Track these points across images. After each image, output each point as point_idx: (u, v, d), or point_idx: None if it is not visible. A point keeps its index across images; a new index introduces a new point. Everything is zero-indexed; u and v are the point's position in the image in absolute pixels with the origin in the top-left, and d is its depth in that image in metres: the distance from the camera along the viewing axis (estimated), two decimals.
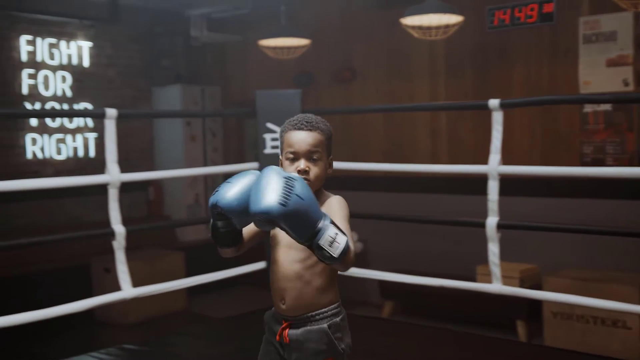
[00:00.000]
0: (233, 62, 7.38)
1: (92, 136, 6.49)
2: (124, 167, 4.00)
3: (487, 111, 3.78)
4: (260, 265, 4.58)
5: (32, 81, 6.13)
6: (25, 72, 6.09)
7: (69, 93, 6.33)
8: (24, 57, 6.07)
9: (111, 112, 3.82)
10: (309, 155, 1.96)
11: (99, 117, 3.92)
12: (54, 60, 6.27)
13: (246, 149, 7.17)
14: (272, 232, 2.04)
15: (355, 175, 6.02)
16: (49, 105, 6.18)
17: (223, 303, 6.16)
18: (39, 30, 6.17)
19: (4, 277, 5.27)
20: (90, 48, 6.49)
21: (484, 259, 4.19)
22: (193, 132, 7.00)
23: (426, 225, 5.43)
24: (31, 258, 5.63)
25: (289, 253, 2.00)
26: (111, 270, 5.03)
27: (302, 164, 1.95)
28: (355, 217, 5.55)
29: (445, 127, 5.86)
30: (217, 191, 1.85)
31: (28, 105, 6.06)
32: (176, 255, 6.08)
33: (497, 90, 5.27)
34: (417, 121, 6.00)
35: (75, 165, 6.36)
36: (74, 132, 6.39)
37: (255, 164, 4.62)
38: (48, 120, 6.19)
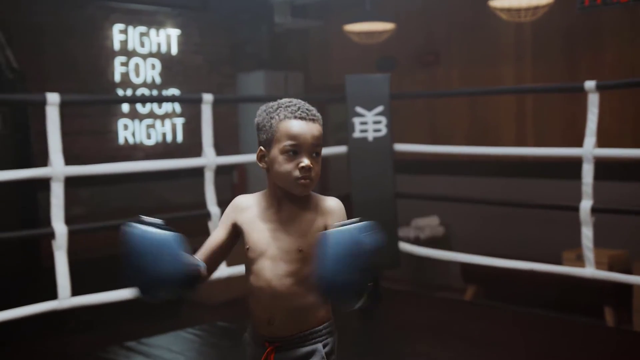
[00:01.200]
0: (315, 48, 7.46)
1: (179, 122, 6.69)
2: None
3: (575, 95, 3.75)
4: None
5: (123, 69, 6.35)
6: (118, 60, 6.31)
7: (158, 80, 6.53)
8: (116, 45, 6.30)
9: (207, 97, 3.95)
10: (312, 150, 1.73)
11: (196, 102, 4.06)
12: (144, 48, 6.47)
13: (328, 133, 7.25)
14: (250, 240, 1.79)
15: (438, 160, 6.03)
16: (139, 92, 6.39)
17: None
18: (131, 19, 6.38)
19: (101, 257, 5.50)
20: (179, 36, 6.68)
21: (570, 245, 4.17)
22: None
23: (510, 210, 5.40)
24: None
25: (276, 266, 1.75)
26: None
27: (305, 160, 1.70)
28: (437, 200, 5.58)
29: (532, 111, 5.79)
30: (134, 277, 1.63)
31: (120, 92, 6.28)
32: None
33: (586, 73, 5.17)
34: (502, 106, 5.94)
35: (164, 150, 6.57)
36: (162, 117, 6.60)
37: (343, 148, 4.69)
38: (139, 107, 6.41)
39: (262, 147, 1.78)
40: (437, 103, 6.30)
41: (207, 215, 3.98)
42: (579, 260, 4.36)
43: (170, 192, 6.58)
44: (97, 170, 3.65)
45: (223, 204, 6.42)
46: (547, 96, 5.63)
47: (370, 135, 4.45)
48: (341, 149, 4.72)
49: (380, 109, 4.43)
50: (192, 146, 6.24)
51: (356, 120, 4.46)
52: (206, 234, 4.01)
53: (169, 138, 6.63)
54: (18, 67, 4.56)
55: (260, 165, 1.79)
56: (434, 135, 6.17)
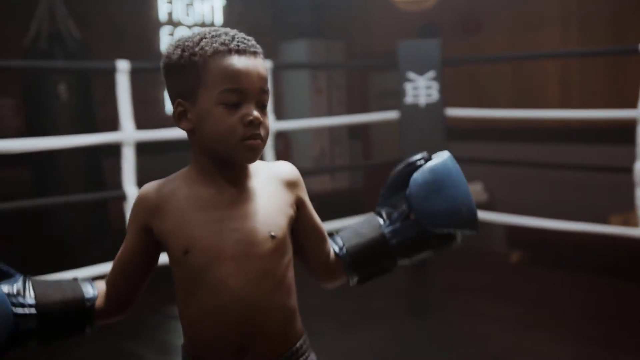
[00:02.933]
0: (357, 16, 7.50)
1: None
2: None
3: (621, 61, 3.76)
4: None
5: (169, 39, 6.46)
6: (164, 30, 6.42)
7: None
8: (162, 16, 6.40)
9: (268, 65, 4.05)
10: (259, 98, 1.27)
11: None
12: (190, 18, 6.57)
13: (371, 101, 7.32)
14: (187, 242, 1.28)
15: (480, 127, 6.08)
16: None
17: None
18: None
19: None
20: (223, 6, 6.76)
21: (616, 210, 4.21)
22: (319, 85, 7.21)
23: (554, 176, 5.46)
24: None
25: (244, 266, 1.28)
26: None
27: (253, 111, 1.24)
28: (483, 163, 5.65)
29: (578, 76, 5.81)
30: None
31: None
32: None
33: (635, 37, 5.18)
34: (546, 71, 5.96)
35: None
36: None
37: (393, 114, 4.77)
38: None
39: (180, 100, 1.29)
40: (480, 70, 6.34)
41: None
42: (626, 225, 4.42)
43: None
44: (166, 135, 3.77)
45: None
46: (592, 62, 5.64)
47: (422, 101, 4.52)
48: (391, 115, 4.80)
49: (432, 74, 4.50)
50: None
51: (408, 86, 4.53)
52: None
53: None
54: (80, 37, 4.68)
55: (180, 126, 1.31)
56: (477, 103, 6.21)
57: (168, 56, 1.30)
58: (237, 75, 1.24)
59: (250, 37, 1.30)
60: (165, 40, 6.41)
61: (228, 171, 1.31)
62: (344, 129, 7.31)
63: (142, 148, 3.66)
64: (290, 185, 1.38)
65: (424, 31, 6.70)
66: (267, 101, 1.29)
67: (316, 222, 1.44)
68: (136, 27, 6.22)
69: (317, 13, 7.53)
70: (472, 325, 4.06)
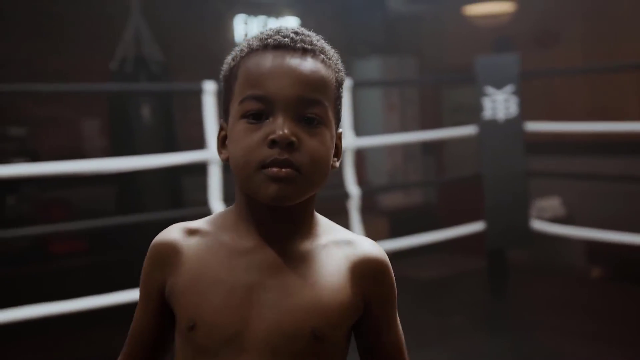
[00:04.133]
0: (429, 31, 7.50)
1: None
2: None
3: None
4: (475, 227, 4.72)
5: None
6: None
7: None
8: (238, 36, 6.56)
9: (347, 83, 4.11)
10: (299, 109, 0.92)
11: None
12: None
13: (444, 116, 7.30)
14: (193, 312, 0.95)
15: (558, 141, 5.99)
16: None
17: (426, 266, 6.38)
18: (252, 9, 6.63)
19: None
20: (296, 24, 6.88)
21: None
22: (391, 101, 7.24)
23: (635, 189, 5.33)
24: None
25: None
26: None
27: (281, 127, 0.90)
28: (561, 177, 5.56)
29: None
30: None
31: None
32: (379, 220, 6.36)
33: None
34: (625, 85, 5.84)
35: None
36: None
37: (471, 128, 4.75)
38: None
39: (222, 121, 1.02)
40: (555, 84, 6.25)
41: (346, 196, 4.15)
42: None
43: None
44: None
45: (340, 186, 6.59)
46: None
47: (501, 115, 4.50)
48: (468, 130, 4.79)
49: (510, 88, 4.48)
50: None
51: (486, 101, 4.52)
52: (341, 214, 4.18)
53: None
54: (164, 60, 4.86)
55: (220, 156, 1.00)
56: (552, 117, 6.12)
57: (224, 67, 1.02)
58: (262, 77, 0.91)
59: (310, 33, 0.99)
60: None
61: (274, 218, 0.95)
62: (417, 144, 7.31)
63: (224, 167, 3.77)
64: (369, 275, 0.97)
65: (499, 45, 6.66)
66: (318, 115, 0.92)
67: (393, 340, 1.02)
68: (212, 48, 6.39)
69: (389, 29, 7.58)
70: (551, 340, 4.00)
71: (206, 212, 3.66)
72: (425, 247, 4.77)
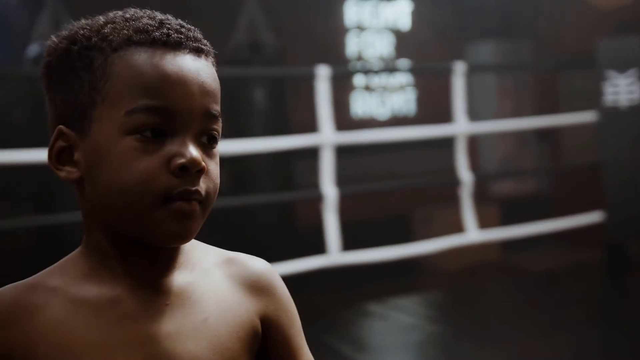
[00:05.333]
0: (546, 15, 7.24)
1: (411, 94, 6.84)
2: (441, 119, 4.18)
3: None
4: (592, 218, 4.54)
5: (357, 43, 6.61)
6: (351, 35, 6.58)
7: (390, 53, 6.72)
8: (350, 20, 6.56)
9: (459, 66, 4.04)
10: (205, 128, 0.77)
11: (444, 72, 4.16)
12: (377, 22, 6.68)
13: (560, 101, 7.05)
14: None
15: None
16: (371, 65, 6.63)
17: (538, 257, 6.20)
18: None
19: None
20: (410, 9, 6.81)
21: None
22: (505, 86, 7.06)
23: None
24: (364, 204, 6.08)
25: None
26: (433, 220, 5.35)
27: (189, 149, 0.74)
28: None
29: None
30: None
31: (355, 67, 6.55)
32: (489, 208, 6.21)
33: None
34: None
35: (396, 123, 6.76)
36: (394, 90, 6.78)
37: (590, 115, 4.57)
38: (371, 80, 6.64)
39: (62, 127, 0.76)
40: None
41: (458, 183, 4.09)
42: None
43: (398, 163, 6.76)
44: (364, 137, 3.89)
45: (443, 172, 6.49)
46: None
47: (624, 101, 4.30)
48: (586, 117, 4.60)
49: (634, 72, 4.27)
50: (423, 118, 6.37)
51: (607, 86, 4.33)
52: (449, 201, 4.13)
53: (400, 111, 6.80)
54: (278, 45, 4.93)
55: (60, 174, 0.77)
56: None
57: (49, 53, 0.78)
58: (161, 83, 0.73)
59: (192, 27, 0.80)
60: (352, 45, 6.56)
61: (151, 259, 0.77)
62: (531, 131, 7.10)
63: (338, 151, 3.79)
64: (259, 291, 0.83)
65: (621, 28, 6.35)
66: (217, 132, 0.78)
67: None
68: (324, 32, 6.43)
69: (504, 13, 7.37)
70: None
71: (316, 195, 3.71)
72: (537, 237, 4.63)
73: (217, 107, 0.78)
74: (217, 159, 0.78)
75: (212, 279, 0.81)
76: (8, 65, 4.59)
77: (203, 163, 0.73)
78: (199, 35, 0.79)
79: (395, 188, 5.22)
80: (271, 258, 2.99)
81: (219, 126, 0.78)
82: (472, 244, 4.29)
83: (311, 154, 3.68)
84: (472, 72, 4.68)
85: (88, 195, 0.76)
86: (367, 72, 5.98)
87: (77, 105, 0.75)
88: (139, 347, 0.74)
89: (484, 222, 5.93)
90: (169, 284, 0.78)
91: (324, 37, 6.41)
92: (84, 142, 0.74)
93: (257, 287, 0.83)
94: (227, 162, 5.05)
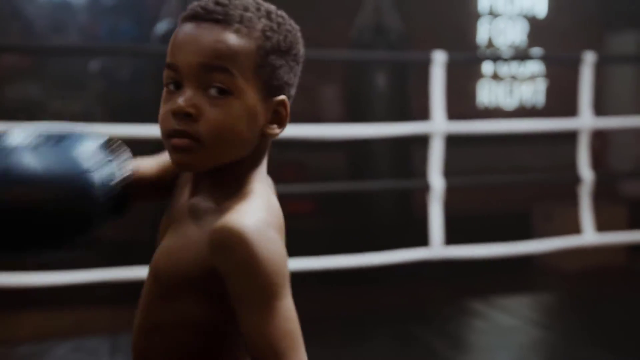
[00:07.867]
0: None
1: (541, 84, 6.56)
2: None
3: None
4: None
5: (489, 30, 6.40)
6: (483, 22, 6.38)
7: (523, 42, 6.46)
8: (483, 7, 6.36)
9: (589, 57, 3.82)
10: (202, 78, 0.92)
11: (573, 63, 3.95)
12: (511, 9, 6.44)
13: None
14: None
15: None
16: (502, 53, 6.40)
17: None
18: None
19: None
20: None
21: None
22: None
23: None
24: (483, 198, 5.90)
25: (142, 307, 1.02)
26: (553, 217, 5.10)
27: (181, 97, 0.92)
28: None
29: None
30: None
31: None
32: (617, 208, 5.83)
33: None
34: None
35: (524, 113, 6.50)
36: (524, 80, 6.53)
37: None
38: (500, 69, 6.42)
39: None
40: None
41: (577, 180, 3.88)
42: None
43: (522, 156, 6.50)
44: (477, 128, 3.77)
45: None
46: None
47: None
48: None
49: None
50: (553, 110, 6.08)
51: None
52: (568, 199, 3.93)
53: (529, 101, 6.54)
54: (402, 29, 4.86)
55: None
56: None
57: None
58: (173, 46, 0.94)
59: (238, 3, 0.95)
60: (483, 32, 6.36)
61: (195, 179, 1.01)
62: None
63: (455, 140, 3.68)
64: (216, 243, 0.88)
65: None
66: (224, 84, 0.91)
67: (250, 335, 0.88)
68: (455, 18, 6.27)
69: None
70: None
71: (422, 184, 3.63)
72: None
73: (218, 62, 0.91)
74: (227, 108, 0.92)
75: (206, 218, 0.95)
76: (138, 42, 4.82)
77: (189, 109, 0.91)
78: (228, 9, 0.93)
79: (509, 183, 5.01)
80: (383, 246, 2.98)
81: (224, 78, 0.91)
82: (589, 246, 4.05)
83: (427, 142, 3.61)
84: (604, 63, 4.39)
85: None
86: (490, 59, 5.77)
87: None
88: (166, 234, 1.02)
89: (610, 224, 5.58)
90: (191, 204, 0.99)
91: (454, 23, 6.25)
92: None
93: (216, 241, 0.88)
94: (346, 145, 5.07)
